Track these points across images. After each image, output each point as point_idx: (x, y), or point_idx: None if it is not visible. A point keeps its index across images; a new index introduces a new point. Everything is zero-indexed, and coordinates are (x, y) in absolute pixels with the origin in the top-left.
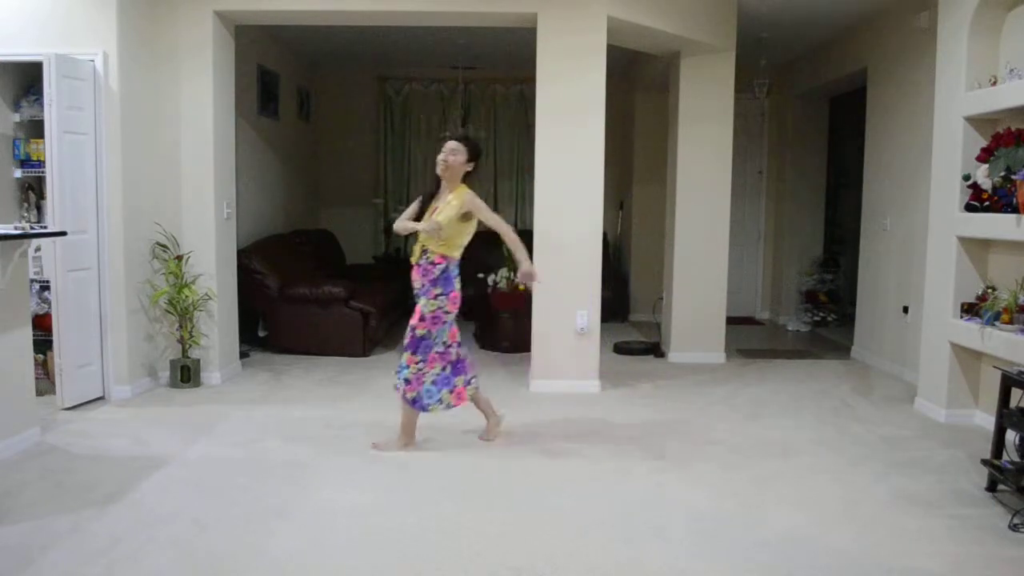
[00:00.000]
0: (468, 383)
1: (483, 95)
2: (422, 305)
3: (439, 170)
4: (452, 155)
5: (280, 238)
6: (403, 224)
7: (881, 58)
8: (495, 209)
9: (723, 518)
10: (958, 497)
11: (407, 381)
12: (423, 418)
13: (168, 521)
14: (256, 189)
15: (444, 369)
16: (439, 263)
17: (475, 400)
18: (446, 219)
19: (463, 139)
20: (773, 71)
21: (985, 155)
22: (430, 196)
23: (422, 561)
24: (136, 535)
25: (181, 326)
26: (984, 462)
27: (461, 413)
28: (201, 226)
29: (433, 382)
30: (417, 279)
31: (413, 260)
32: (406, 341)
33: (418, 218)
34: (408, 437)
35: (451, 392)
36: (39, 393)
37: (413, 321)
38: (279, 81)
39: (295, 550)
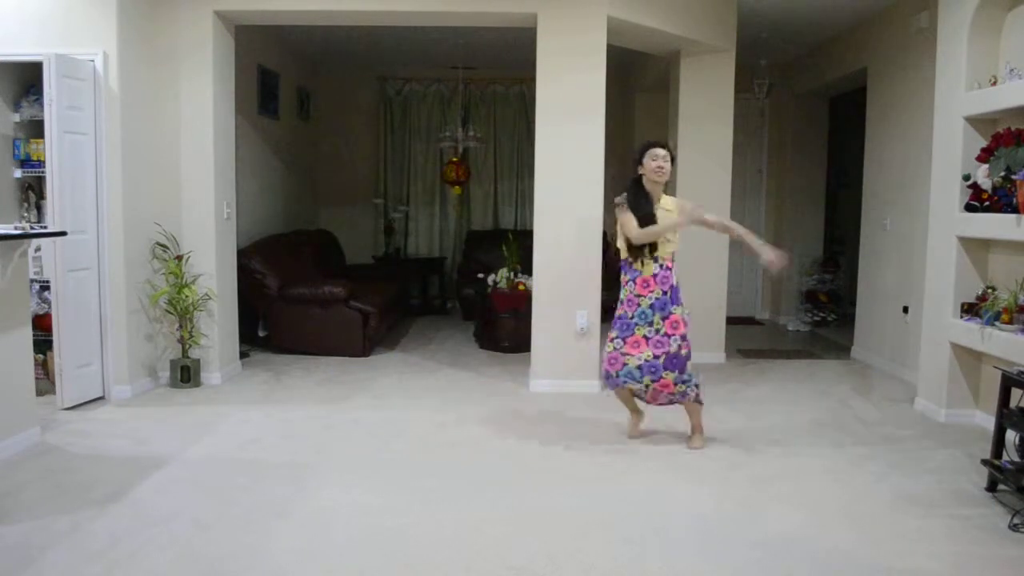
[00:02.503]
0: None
1: (483, 95)
2: (680, 314)
3: (660, 177)
4: (667, 162)
5: (280, 238)
6: (654, 230)
7: (881, 58)
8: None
9: (723, 518)
10: (958, 497)
11: (697, 386)
12: (420, 418)
13: (168, 521)
14: (256, 189)
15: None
16: (671, 267)
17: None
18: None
19: (663, 144)
20: (773, 71)
21: (985, 155)
22: (641, 204)
23: (422, 561)
24: (136, 535)
25: (181, 326)
26: (984, 462)
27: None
28: (201, 226)
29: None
30: (657, 288)
31: (648, 273)
32: (671, 360)
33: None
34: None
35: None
36: (39, 393)
37: (676, 335)
38: (279, 81)
39: (295, 550)
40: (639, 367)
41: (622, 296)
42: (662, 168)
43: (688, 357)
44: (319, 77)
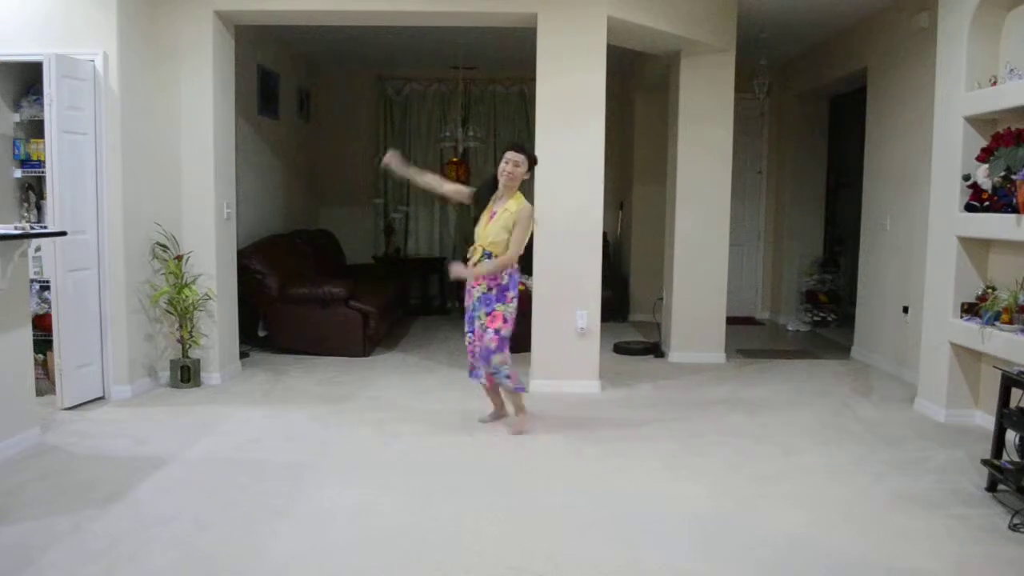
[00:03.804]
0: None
1: (483, 95)
2: (503, 310)
3: (503, 181)
4: (516, 167)
5: (280, 238)
6: (452, 192)
7: (881, 58)
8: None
9: (723, 518)
10: (958, 497)
11: (508, 376)
12: (420, 418)
13: (168, 521)
14: (256, 189)
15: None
16: (510, 272)
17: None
18: (501, 226)
19: (521, 148)
20: (773, 71)
21: (985, 155)
22: (486, 193)
23: (422, 561)
24: (136, 535)
25: (181, 326)
26: (984, 462)
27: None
28: (201, 226)
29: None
30: (483, 283)
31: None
32: (484, 352)
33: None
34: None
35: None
36: (39, 393)
37: (491, 330)
38: (279, 81)
39: (295, 550)
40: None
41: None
42: (506, 172)
43: (498, 349)
44: (319, 77)
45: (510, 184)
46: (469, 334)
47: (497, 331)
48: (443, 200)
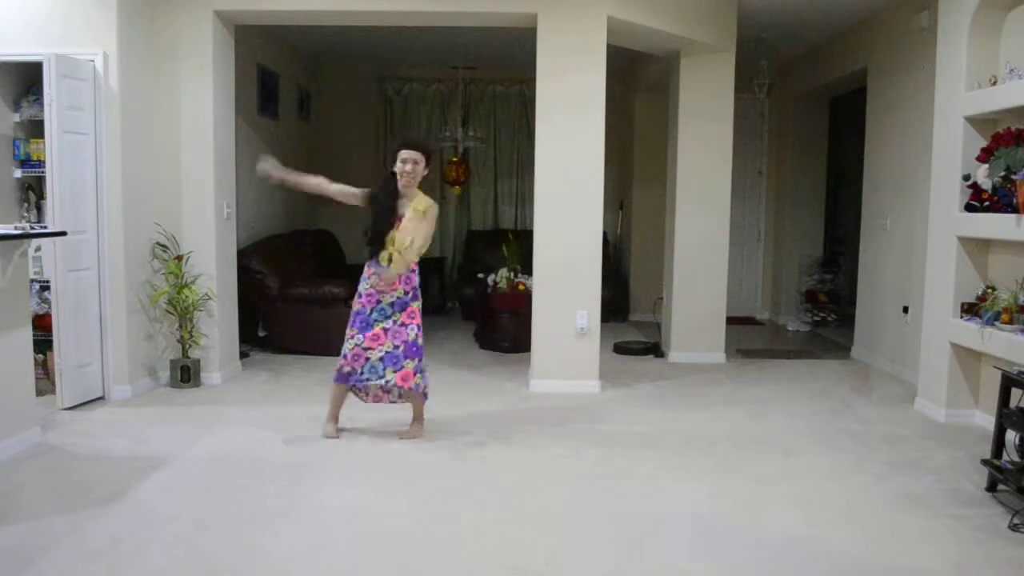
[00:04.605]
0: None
1: (483, 95)
2: (417, 307)
3: (404, 182)
4: (416, 164)
5: (280, 238)
6: (339, 194)
7: (881, 58)
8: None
9: (723, 518)
10: (958, 497)
11: (418, 384)
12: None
13: (168, 521)
14: (256, 189)
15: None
16: (414, 269)
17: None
18: (414, 227)
19: (417, 145)
20: (773, 71)
21: (985, 155)
22: (386, 196)
23: (422, 561)
24: (136, 535)
25: (181, 326)
26: (984, 462)
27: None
28: (201, 226)
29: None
30: (400, 287)
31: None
32: (409, 350)
33: (376, 226)
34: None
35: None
36: (39, 393)
37: (413, 323)
38: (279, 81)
39: (295, 550)
40: (381, 359)
41: (361, 289)
42: (406, 172)
43: (418, 353)
44: (319, 77)
45: (412, 184)
46: (359, 337)
47: (419, 327)
48: (336, 203)
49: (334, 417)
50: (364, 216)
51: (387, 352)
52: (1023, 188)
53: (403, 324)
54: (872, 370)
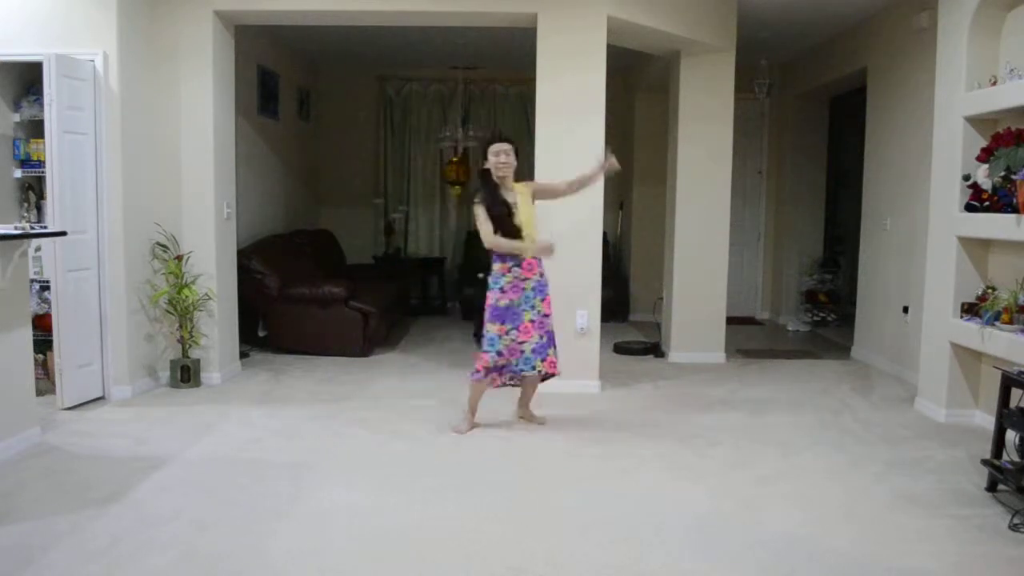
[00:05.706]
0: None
1: (483, 95)
2: (550, 294)
3: (502, 173)
4: (508, 155)
5: (280, 238)
6: (515, 244)
7: (881, 58)
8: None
9: (723, 518)
10: (958, 497)
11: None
12: (420, 418)
13: (168, 521)
14: (256, 189)
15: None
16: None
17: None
18: (533, 209)
19: (505, 139)
20: (773, 71)
21: (985, 155)
22: (496, 200)
23: (422, 561)
24: (136, 535)
25: (181, 326)
26: (984, 462)
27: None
28: (201, 226)
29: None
30: (537, 271)
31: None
32: (547, 336)
33: (503, 224)
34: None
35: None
36: (39, 393)
37: (551, 315)
38: (279, 81)
39: (295, 550)
40: (533, 351)
41: (502, 285)
42: (504, 163)
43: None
44: (319, 77)
45: (508, 173)
46: (514, 332)
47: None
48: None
49: (474, 412)
50: (364, 216)
51: (537, 344)
52: (1023, 188)
53: (545, 315)
54: (872, 370)
